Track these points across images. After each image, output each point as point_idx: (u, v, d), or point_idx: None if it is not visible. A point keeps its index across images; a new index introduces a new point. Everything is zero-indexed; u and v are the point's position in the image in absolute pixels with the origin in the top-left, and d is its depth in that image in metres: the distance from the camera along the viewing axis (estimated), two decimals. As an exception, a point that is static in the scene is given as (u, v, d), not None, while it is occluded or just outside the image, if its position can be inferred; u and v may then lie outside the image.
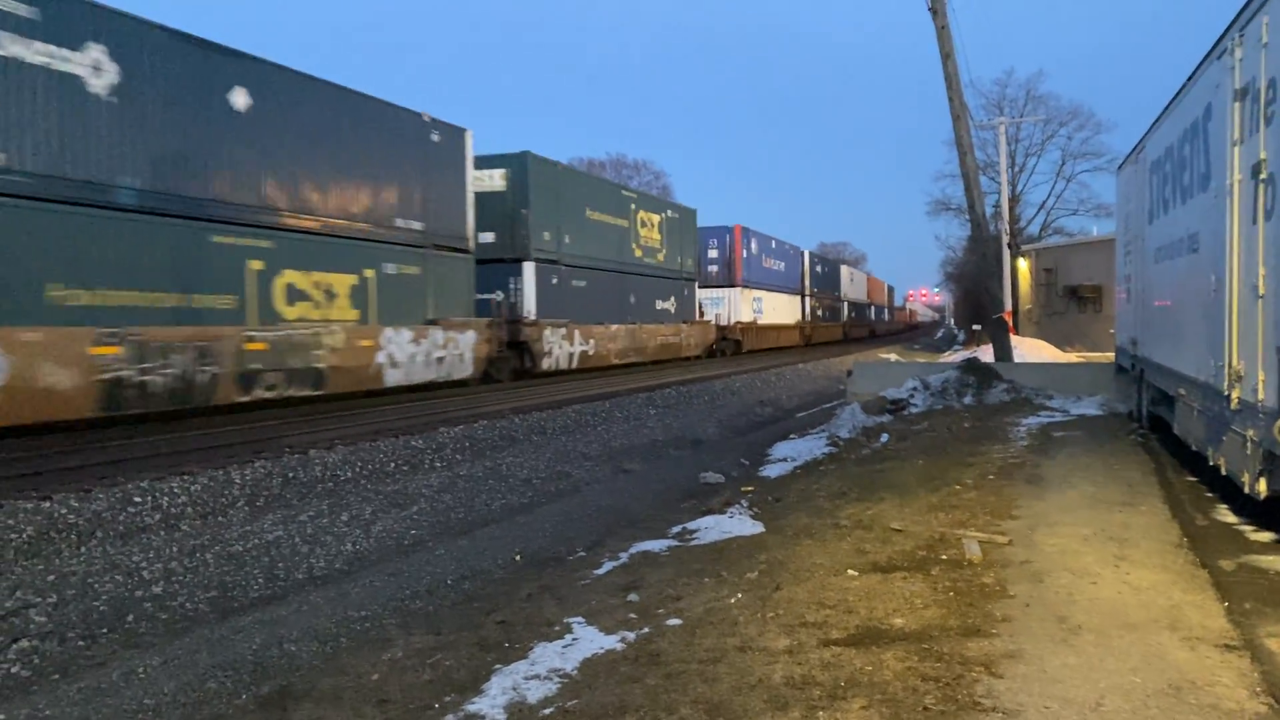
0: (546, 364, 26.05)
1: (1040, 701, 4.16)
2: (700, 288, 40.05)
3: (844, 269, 71.67)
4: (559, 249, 27.27)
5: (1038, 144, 61.70)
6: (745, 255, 44.57)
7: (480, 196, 23.86)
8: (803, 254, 57.77)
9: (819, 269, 61.81)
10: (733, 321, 43.00)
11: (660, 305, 35.40)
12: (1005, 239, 41.28)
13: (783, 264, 51.95)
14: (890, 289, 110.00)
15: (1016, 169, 60.43)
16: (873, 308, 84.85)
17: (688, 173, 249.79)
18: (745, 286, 44.45)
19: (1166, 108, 11.02)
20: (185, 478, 10.51)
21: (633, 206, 33.24)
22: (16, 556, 7.87)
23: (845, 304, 69.16)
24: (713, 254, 43.58)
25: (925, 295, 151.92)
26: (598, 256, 29.91)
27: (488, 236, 24.95)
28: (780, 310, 51.27)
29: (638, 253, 33.24)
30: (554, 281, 26.91)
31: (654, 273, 34.70)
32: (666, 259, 35.87)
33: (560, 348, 26.93)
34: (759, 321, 46.48)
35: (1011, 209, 52.93)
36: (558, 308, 26.90)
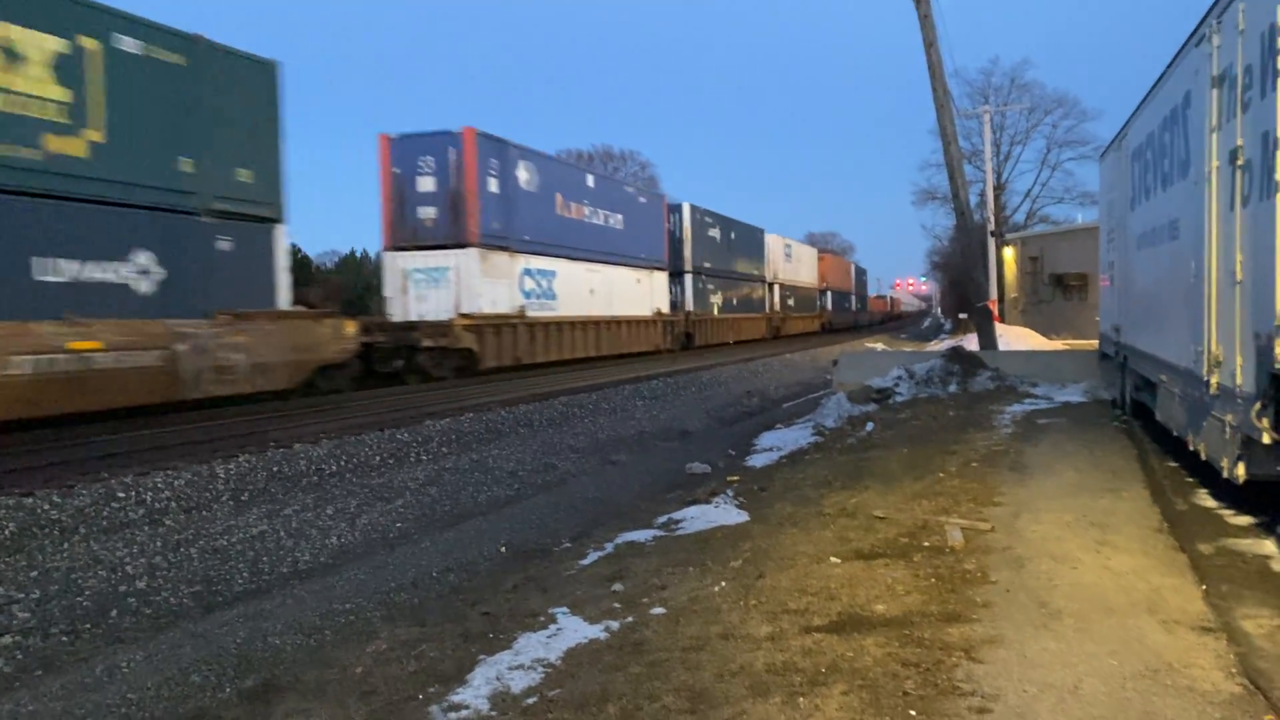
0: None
1: (1019, 685, 4.19)
2: (397, 250, 24.70)
3: (772, 239, 52.98)
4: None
5: (1023, 132, 62.06)
6: (493, 187, 25.03)
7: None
8: (661, 202, 38.40)
9: (712, 233, 43.07)
10: (455, 315, 23.85)
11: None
12: (990, 227, 41.42)
13: (611, 217, 32.98)
14: (860, 272, 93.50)
15: (1002, 157, 60.73)
16: (830, 294, 69.26)
17: (674, 164, 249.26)
18: (490, 246, 24.79)
19: (1148, 95, 11.07)
20: (169, 472, 10.48)
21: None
22: (-1, 553, 7.84)
23: (773, 287, 52.70)
24: (425, 185, 24.43)
25: (912, 285, 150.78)
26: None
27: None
28: (612, 294, 32.61)
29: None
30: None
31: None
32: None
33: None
34: (531, 314, 26.85)
35: (997, 197, 53.16)
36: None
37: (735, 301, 46.10)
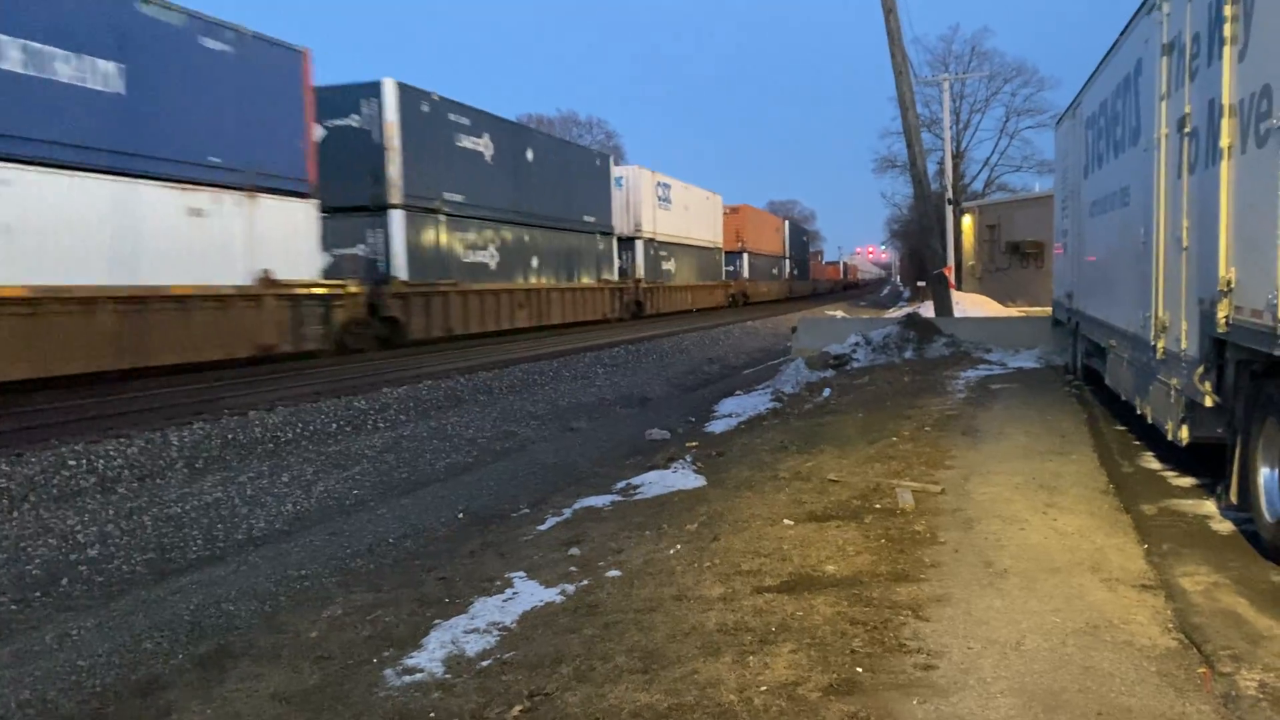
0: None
1: (964, 643, 4.29)
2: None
3: (632, 174, 39.15)
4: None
5: (982, 100, 62.50)
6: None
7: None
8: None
9: (529, 153, 29.66)
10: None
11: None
12: (948, 195, 41.69)
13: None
14: (799, 232, 76.46)
15: (961, 125, 61.14)
16: (746, 258, 54.12)
17: (639, 132, 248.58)
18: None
19: (1101, 63, 11.17)
20: (121, 440, 10.35)
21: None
22: (-55, 522, 7.71)
23: (634, 245, 38.42)
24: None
25: (872, 253, 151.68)
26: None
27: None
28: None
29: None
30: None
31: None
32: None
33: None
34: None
35: (956, 165, 53.56)
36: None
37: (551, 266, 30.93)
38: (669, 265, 41.95)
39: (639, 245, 37.90)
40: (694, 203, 45.79)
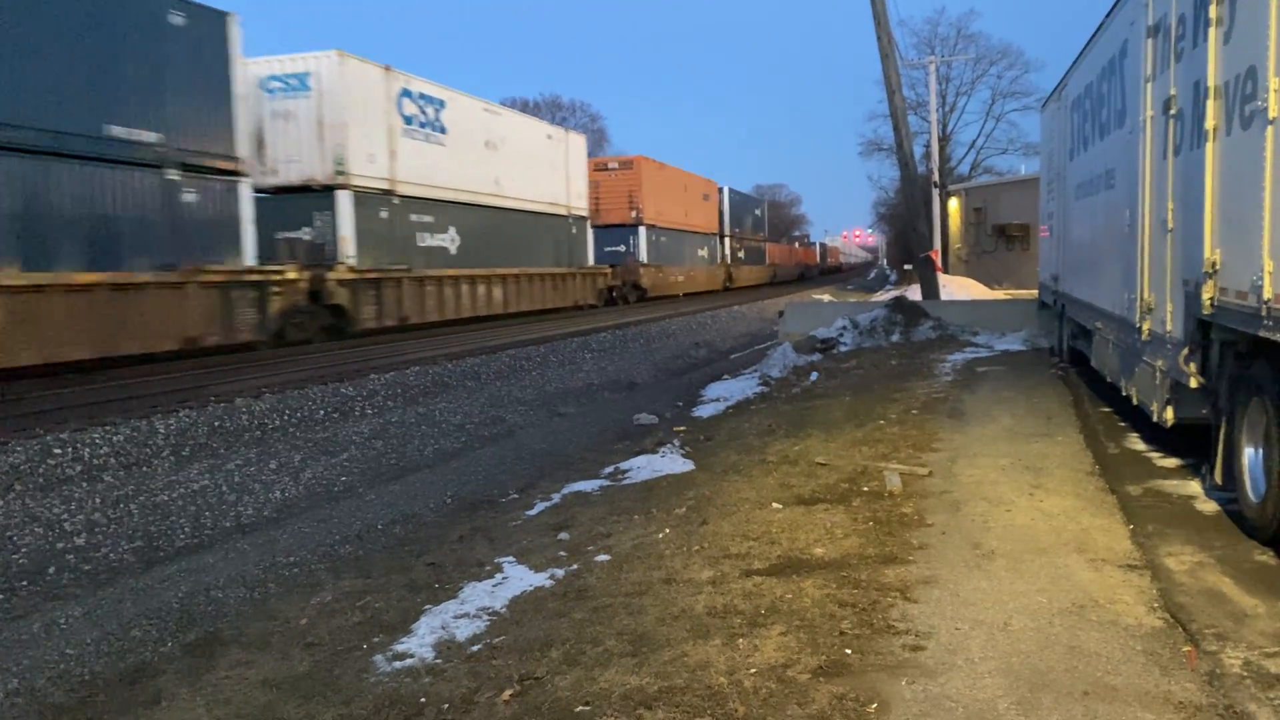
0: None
1: (951, 624, 4.31)
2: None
3: (375, 73, 22.25)
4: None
5: (968, 83, 62.41)
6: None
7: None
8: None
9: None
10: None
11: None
12: (935, 178, 41.72)
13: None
14: (743, 201, 59.49)
15: (947, 108, 61.07)
16: (643, 233, 39.22)
17: (624, 117, 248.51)
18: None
19: (1087, 45, 11.17)
20: (107, 428, 10.30)
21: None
22: (-70, 512, 7.67)
23: (358, 199, 21.79)
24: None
25: (859, 236, 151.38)
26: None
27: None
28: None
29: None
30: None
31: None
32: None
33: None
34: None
35: (942, 148, 53.53)
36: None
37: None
38: (431, 240, 24.52)
39: (342, 198, 21.10)
40: (513, 138, 28.56)
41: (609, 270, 36.58)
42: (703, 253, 49.24)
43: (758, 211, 65.10)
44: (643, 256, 39.57)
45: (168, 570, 6.89)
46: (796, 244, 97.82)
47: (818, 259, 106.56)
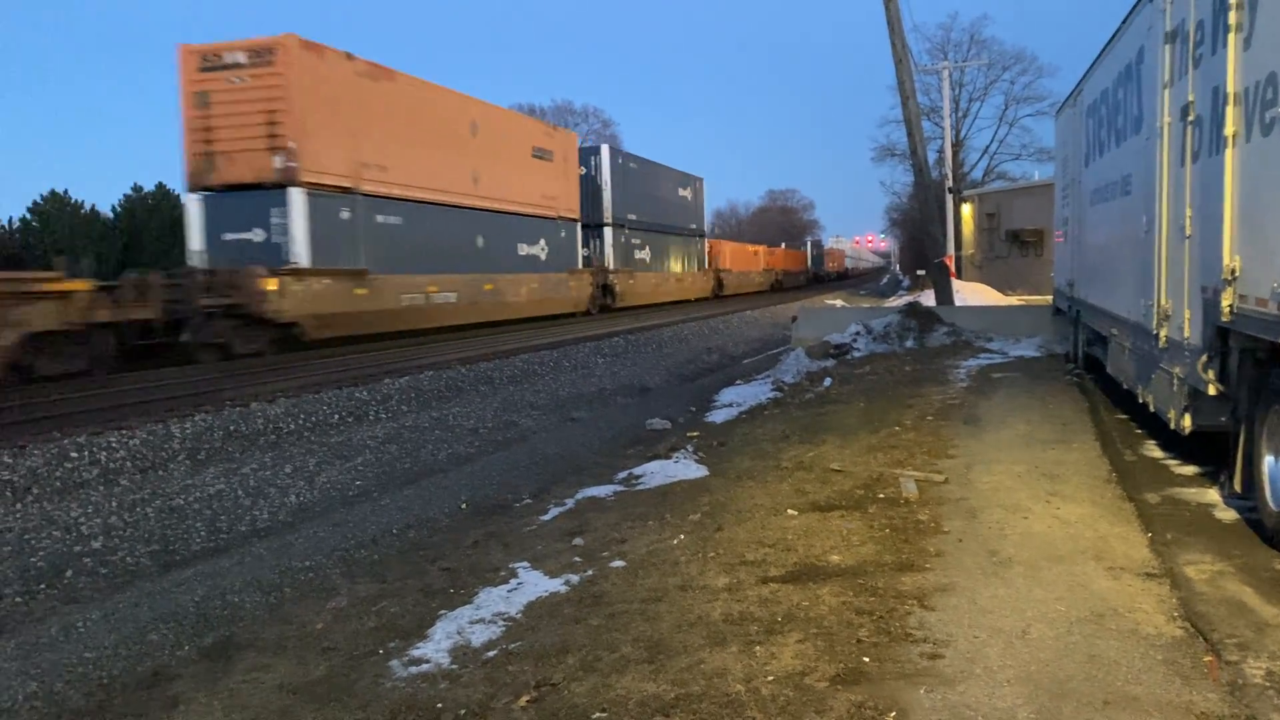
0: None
1: (970, 632, 4.30)
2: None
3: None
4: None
5: (981, 89, 62.22)
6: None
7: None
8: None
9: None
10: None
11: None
12: (948, 184, 41.63)
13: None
14: (680, 181, 43.64)
15: (960, 114, 60.94)
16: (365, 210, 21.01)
17: (636, 122, 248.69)
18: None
19: (1102, 51, 11.13)
20: (123, 432, 10.35)
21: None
22: (-51, 514, 7.71)
23: None
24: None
25: (871, 241, 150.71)
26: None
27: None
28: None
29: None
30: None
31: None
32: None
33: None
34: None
35: (955, 153, 53.43)
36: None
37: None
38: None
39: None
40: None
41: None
42: (534, 249, 29.38)
43: (684, 192, 43.76)
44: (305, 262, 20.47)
45: (184, 574, 6.91)
46: (783, 245, 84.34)
47: (807, 264, 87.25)
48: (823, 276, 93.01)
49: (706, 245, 49.86)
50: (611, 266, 35.02)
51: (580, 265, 32.74)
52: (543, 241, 29.55)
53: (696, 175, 46.44)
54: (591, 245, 34.12)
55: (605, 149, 35.70)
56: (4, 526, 7.53)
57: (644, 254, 38.62)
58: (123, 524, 7.87)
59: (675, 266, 43.50)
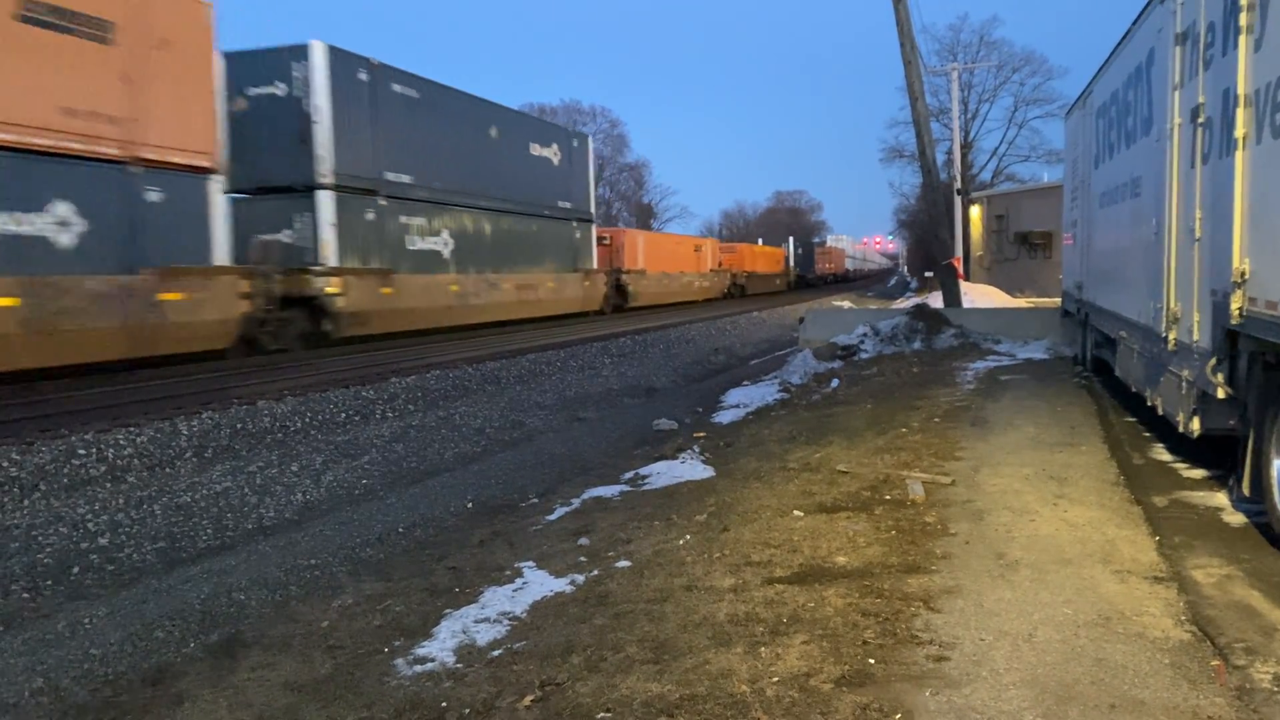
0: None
1: (976, 634, 4.28)
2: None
3: None
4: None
5: (990, 90, 62.25)
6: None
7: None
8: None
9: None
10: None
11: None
12: (957, 185, 41.55)
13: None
14: (572, 149, 32.48)
15: (969, 115, 60.87)
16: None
17: (645, 122, 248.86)
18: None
19: (1112, 53, 11.10)
20: (131, 429, 10.38)
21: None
22: (-43, 511, 7.74)
23: None
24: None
25: (880, 243, 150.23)
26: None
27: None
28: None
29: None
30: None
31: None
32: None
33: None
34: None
35: (964, 155, 53.31)
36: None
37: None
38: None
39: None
40: None
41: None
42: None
43: (543, 151, 30.85)
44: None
45: (190, 571, 6.93)
46: (760, 240, 72.93)
47: (787, 264, 74.03)
48: (812, 281, 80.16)
49: (594, 234, 35.14)
50: (331, 264, 20.25)
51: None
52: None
53: (575, 130, 35.23)
54: (302, 222, 20.25)
55: (318, 47, 19.97)
56: (11, 523, 7.55)
57: (433, 244, 24.21)
58: (129, 521, 7.89)
59: (520, 267, 28.57)
